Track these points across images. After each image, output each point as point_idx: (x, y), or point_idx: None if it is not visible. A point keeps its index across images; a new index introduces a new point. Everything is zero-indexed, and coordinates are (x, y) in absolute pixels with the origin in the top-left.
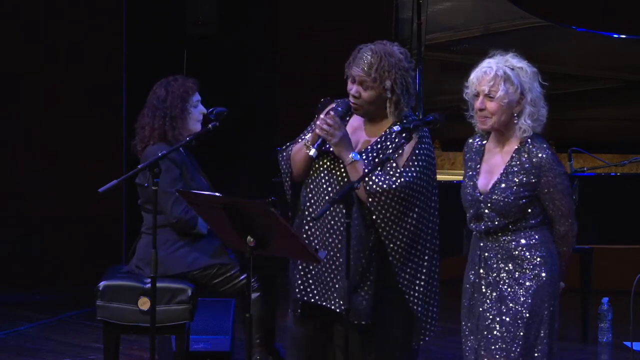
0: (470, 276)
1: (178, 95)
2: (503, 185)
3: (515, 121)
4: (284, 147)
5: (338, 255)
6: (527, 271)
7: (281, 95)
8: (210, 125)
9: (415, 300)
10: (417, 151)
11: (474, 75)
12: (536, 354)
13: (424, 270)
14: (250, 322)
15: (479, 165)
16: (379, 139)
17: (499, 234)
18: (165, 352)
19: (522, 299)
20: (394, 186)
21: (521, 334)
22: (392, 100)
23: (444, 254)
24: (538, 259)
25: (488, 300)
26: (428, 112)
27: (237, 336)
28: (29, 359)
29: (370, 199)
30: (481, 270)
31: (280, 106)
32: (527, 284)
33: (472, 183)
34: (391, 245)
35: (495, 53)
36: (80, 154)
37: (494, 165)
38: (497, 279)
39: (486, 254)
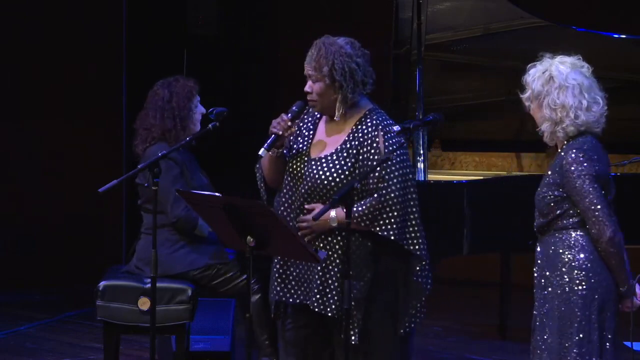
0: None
1: (183, 96)
2: (542, 184)
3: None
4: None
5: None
6: (561, 272)
7: (281, 95)
8: (210, 125)
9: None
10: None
11: None
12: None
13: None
14: (251, 323)
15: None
16: (346, 138)
17: (543, 233)
18: (165, 352)
19: (556, 302)
20: (382, 199)
21: (551, 338)
22: (335, 86)
23: (444, 254)
24: (572, 262)
25: (536, 301)
26: (428, 112)
27: (237, 336)
28: (29, 359)
29: (372, 228)
30: (534, 270)
31: (280, 106)
32: (558, 285)
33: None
34: (403, 241)
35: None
36: (80, 154)
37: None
38: (543, 278)
39: (536, 254)
